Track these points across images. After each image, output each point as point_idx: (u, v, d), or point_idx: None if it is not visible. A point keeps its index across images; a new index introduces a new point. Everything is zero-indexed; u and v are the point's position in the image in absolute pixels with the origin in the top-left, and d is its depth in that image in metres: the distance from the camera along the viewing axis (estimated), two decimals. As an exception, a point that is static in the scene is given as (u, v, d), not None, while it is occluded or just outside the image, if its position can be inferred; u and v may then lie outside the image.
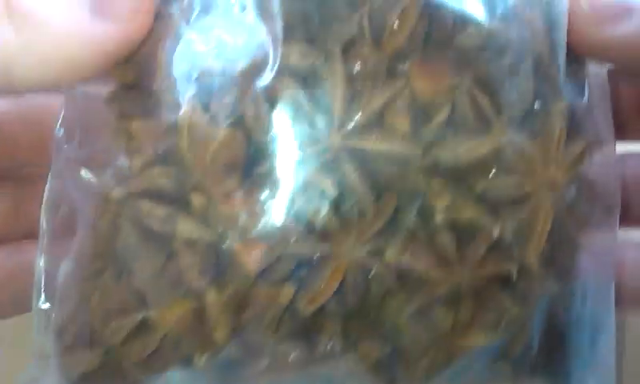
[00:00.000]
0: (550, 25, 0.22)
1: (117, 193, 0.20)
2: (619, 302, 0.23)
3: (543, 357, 0.22)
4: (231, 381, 0.22)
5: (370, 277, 0.21)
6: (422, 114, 0.21)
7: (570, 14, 0.22)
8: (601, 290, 0.23)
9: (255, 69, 0.20)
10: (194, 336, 0.21)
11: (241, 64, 0.20)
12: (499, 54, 0.21)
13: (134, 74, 0.21)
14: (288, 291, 0.21)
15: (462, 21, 0.21)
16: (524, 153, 0.21)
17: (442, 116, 0.21)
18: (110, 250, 0.20)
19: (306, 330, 0.21)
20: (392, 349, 0.22)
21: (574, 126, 0.22)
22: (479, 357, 0.22)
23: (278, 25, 0.20)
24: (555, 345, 0.22)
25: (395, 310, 0.21)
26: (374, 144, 0.20)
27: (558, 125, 0.21)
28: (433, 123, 0.21)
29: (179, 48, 0.20)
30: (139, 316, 0.21)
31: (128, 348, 0.21)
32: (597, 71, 0.24)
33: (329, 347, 0.21)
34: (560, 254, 0.22)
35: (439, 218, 0.20)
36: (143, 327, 0.21)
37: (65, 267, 0.22)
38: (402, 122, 0.21)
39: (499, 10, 0.21)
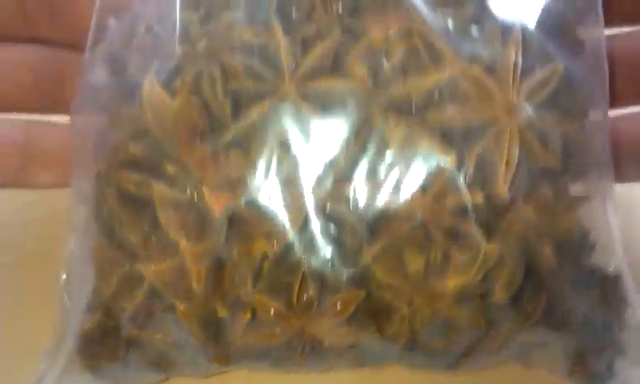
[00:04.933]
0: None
1: (100, 166, 0.23)
2: (620, 175, 0.23)
3: (533, 303, 0.21)
4: (221, 343, 0.23)
5: (331, 216, 0.21)
6: (377, 59, 0.22)
7: None
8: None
9: (215, 49, 0.22)
10: (175, 286, 0.22)
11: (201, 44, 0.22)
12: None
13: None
14: (261, 245, 0.22)
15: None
16: (478, 80, 0.21)
17: (396, 56, 0.22)
18: (100, 216, 0.23)
19: (283, 282, 0.22)
20: (373, 299, 0.22)
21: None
22: (463, 304, 0.21)
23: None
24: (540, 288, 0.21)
25: (365, 252, 0.21)
26: (327, 84, 0.21)
27: (513, 52, 0.21)
28: (388, 66, 0.22)
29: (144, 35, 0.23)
30: (126, 268, 0.22)
31: (120, 301, 0.22)
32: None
33: (306, 298, 0.22)
34: (535, 185, 0.21)
35: (393, 147, 0.21)
36: (131, 280, 0.22)
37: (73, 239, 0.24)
38: (359, 67, 0.22)
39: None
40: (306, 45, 0.22)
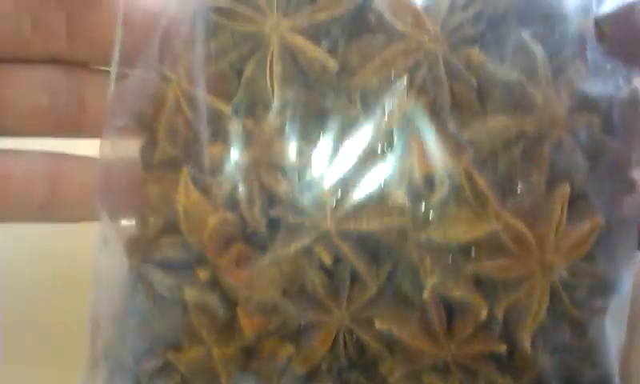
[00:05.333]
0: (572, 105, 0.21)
1: (133, 261, 0.23)
2: None
3: None
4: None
5: (360, 342, 0.22)
6: (420, 190, 0.21)
7: None
8: None
9: (255, 163, 0.21)
10: (206, 380, 0.23)
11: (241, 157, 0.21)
12: (510, 143, 0.21)
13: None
14: (287, 349, 0.22)
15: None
16: (520, 236, 0.21)
17: (439, 194, 0.21)
18: (133, 302, 0.23)
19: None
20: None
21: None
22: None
23: (276, 122, 0.21)
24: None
25: (385, 372, 0.22)
26: (367, 224, 0.21)
27: (559, 209, 0.21)
28: (430, 201, 0.21)
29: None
30: (160, 360, 0.23)
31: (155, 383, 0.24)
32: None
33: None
34: (557, 333, 0.22)
35: (427, 295, 0.21)
36: (165, 367, 0.24)
37: (104, 301, 0.25)
38: (399, 196, 0.21)
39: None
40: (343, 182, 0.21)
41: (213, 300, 0.22)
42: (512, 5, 0.22)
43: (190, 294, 0.22)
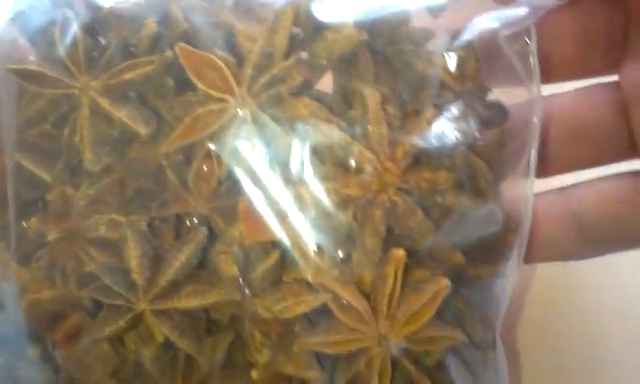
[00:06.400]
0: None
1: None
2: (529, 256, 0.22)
3: None
4: None
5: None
6: (248, 259, 0.20)
7: None
8: None
9: (71, 236, 0.20)
10: None
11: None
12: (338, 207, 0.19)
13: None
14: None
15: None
16: (350, 308, 0.19)
17: (265, 264, 0.19)
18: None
19: None
20: None
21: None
22: None
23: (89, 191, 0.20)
24: None
25: None
26: (185, 301, 0.20)
27: (391, 276, 0.19)
28: (257, 272, 0.19)
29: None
30: None
31: None
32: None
33: None
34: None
35: (256, 374, 0.20)
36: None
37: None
38: (227, 267, 0.20)
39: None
40: (159, 259, 0.19)
41: (47, 377, 0.21)
42: (356, 46, 0.20)
43: (23, 371, 0.21)
